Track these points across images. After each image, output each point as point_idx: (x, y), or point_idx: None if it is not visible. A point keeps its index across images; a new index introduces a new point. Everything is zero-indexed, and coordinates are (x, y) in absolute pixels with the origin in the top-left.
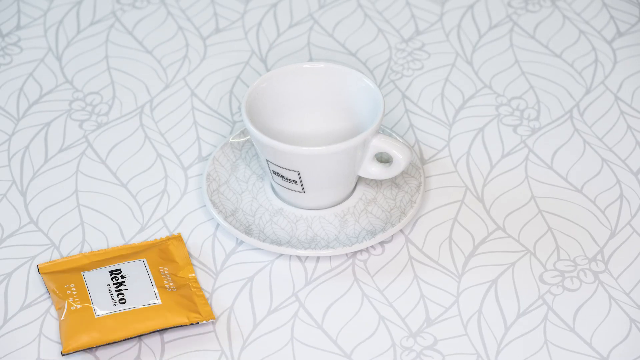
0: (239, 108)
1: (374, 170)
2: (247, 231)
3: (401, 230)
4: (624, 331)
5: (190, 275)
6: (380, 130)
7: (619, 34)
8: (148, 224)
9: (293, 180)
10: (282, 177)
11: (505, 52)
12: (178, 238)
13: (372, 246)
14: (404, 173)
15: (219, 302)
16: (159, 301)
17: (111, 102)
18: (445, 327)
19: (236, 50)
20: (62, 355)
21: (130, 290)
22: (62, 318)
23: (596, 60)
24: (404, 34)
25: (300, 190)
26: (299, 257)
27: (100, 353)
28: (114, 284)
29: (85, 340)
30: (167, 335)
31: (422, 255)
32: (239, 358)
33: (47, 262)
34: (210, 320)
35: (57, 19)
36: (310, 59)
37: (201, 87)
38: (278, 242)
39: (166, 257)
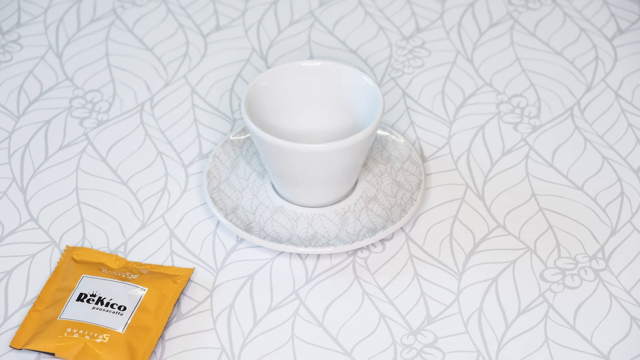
0: (240, 105)
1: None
2: (248, 229)
3: (402, 228)
4: (625, 329)
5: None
6: (381, 126)
7: (620, 31)
8: (148, 222)
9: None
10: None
11: (505, 49)
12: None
13: (372, 244)
14: (404, 171)
15: (220, 300)
16: (145, 289)
17: (111, 99)
18: (446, 325)
19: (237, 47)
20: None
21: (115, 299)
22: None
23: (597, 57)
24: (404, 32)
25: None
26: (299, 255)
27: None
28: (95, 304)
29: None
30: (168, 333)
31: (423, 253)
32: (239, 356)
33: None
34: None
35: (58, 17)
36: (311, 57)
37: (202, 85)
38: (278, 240)
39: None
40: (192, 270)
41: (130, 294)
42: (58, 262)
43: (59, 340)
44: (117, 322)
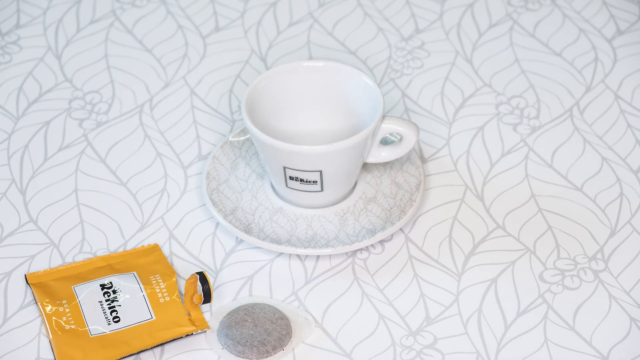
0: (239, 107)
1: (385, 154)
2: (247, 230)
3: (401, 229)
4: (624, 330)
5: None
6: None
7: (619, 32)
8: (148, 223)
9: (313, 181)
10: (302, 180)
11: (505, 50)
12: (156, 248)
13: (372, 245)
14: (403, 172)
15: (219, 301)
16: (153, 317)
17: (111, 100)
18: (445, 326)
19: (236, 48)
20: None
21: (124, 306)
22: (55, 336)
23: (596, 58)
24: (403, 33)
25: (319, 189)
26: (298, 256)
27: None
28: (106, 300)
29: None
30: None
31: (422, 254)
32: None
33: (36, 272)
34: (205, 330)
35: (57, 18)
36: (310, 58)
37: (201, 86)
38: (278, 241)
39: (154, 268)
40: (207, 327)
41: (140, 310)
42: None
43: (52, 303)
44: (98, 323)
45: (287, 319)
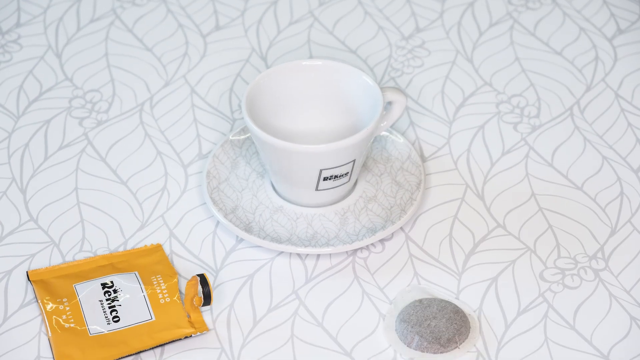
0: (239, 105)
1: (385, 123)
2: (247, 229)
3: (401, 228)
4: (625, 329)
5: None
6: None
7: (620, 31)
8: (148, 222)
9: (345, 174)
10: (335, 177)
11: (505, 49)
12: (158, 248)
13: (372, 244)
14: (404, 171)
15: (219, 300)
16: (153, 318)
17: (111, 99)
18: None
19: (236, 47)
20: None
21: (124, 306)
22: (54, 334)
23: (597, 57)
24: (404, 32)
25: (347, 180)
26: (299, 255)
27: None
28: (106, 299)
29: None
30: None
31: (423, 252)
32: (239, 356)
33: (38, 270)
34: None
35: (57, 17)
36: (311, 57)
37: (201, 85)
38: (278, 240)
39: (155, 268)
40: (206, 330)
41: (140, 310)
42: (153, 247)
43: (53, 300)
44: (97, 323)
45: (464, 315)
